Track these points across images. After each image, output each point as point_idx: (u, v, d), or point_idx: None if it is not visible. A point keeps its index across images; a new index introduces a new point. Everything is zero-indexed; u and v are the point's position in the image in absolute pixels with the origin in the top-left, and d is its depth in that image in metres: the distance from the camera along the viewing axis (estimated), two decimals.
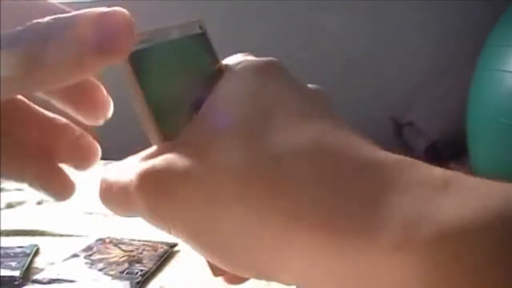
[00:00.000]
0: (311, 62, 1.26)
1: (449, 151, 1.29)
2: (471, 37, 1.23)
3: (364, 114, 1.30)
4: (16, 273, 0.61)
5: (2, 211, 0.86)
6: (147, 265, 0.64)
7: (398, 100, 1.35)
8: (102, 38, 0.18)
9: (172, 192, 0.20)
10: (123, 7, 0.19)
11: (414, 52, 1.35)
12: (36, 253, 0.68)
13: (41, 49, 0.17)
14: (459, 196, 0.17)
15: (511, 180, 0.18)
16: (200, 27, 0.27)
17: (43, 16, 0.18)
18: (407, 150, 1.36)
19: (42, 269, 0.64)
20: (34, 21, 0.18)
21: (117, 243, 0.70)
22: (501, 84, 1.06)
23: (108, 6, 0.19)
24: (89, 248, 0.69)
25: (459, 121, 1.20)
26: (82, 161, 0.28)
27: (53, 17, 0.18)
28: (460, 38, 1.32)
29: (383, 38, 1.33)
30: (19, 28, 0.17)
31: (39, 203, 0.90)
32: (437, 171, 0.19)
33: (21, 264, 0.64)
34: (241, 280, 0.25)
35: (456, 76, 1.28)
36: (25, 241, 0.72)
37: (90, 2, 1.19)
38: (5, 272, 0.61)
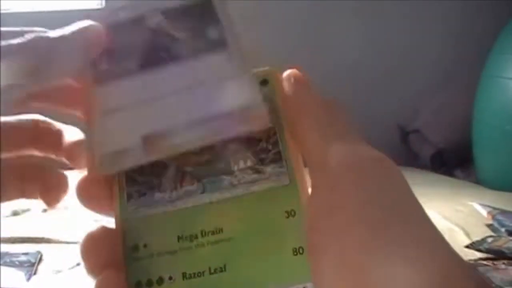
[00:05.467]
0: (317, 70, 1.25)
1: (455, 158, 1.29)
2: (477, 45, 1.23)
3: (371, 121, 1.29)
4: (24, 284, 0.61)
5: (8, 219, 0.86)
6: None
7: (404, 107, 1.35)
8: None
9: None
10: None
11: (420, 60, 1.35)
12: (40, 260, 0.68)
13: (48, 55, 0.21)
14: None
15: None
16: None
17: None
18: (413, 157, 1.36)
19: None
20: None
21: None
22: (507, 91, 1.06)
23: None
24: None
25: (465, 129, 1.19)
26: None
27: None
28: (466, 46, 1.32)
29: (391, 46, 1.33)
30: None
31: (45, 210, 0.90)
32: None
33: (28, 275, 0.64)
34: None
35: (462, 84, 1.28)
36: (30, 248, 0.72)
37: (98, 8, 1.20)
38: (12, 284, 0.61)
